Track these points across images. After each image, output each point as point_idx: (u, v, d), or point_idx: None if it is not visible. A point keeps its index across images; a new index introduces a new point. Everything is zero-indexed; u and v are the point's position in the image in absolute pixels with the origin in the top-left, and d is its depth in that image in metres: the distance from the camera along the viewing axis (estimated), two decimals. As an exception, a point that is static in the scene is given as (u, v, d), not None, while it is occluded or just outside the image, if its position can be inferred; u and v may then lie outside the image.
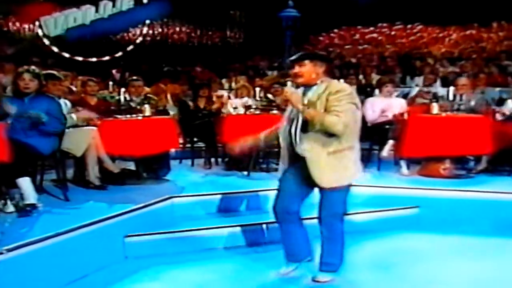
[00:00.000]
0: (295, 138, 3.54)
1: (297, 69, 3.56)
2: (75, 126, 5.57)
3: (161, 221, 4.75)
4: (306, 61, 3.54)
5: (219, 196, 5.31)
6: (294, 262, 3.82)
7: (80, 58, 13.17)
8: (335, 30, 16.98)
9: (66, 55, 12.99)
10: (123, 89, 6.31)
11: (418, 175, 6.28)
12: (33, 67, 4.88)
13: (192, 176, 6.51)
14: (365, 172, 6.45)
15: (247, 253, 4.52)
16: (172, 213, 4.99)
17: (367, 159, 6.81)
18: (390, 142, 6.49)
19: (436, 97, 6.81)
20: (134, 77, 6.94)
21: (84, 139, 5.38)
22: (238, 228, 4.70)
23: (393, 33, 16.06)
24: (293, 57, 3.63)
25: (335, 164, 3.47)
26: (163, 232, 4.52)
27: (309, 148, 3.47)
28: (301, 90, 3.60)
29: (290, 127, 3.57)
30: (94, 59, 13.43)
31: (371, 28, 16.53)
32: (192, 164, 7.30)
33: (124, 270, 4.11)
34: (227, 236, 4.65)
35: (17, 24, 13.44)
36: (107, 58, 13.59)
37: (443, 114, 6.17)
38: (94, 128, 5.56)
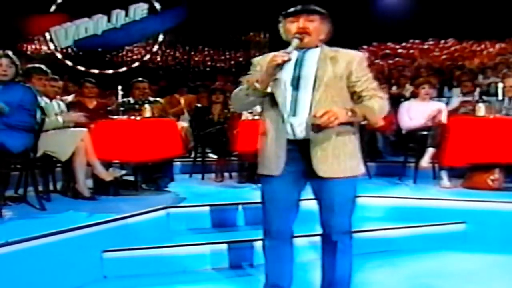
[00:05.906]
0: (293, 114, 2.62)
1: (304, 23, 2.64)
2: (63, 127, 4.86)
3: (152, 235, 3.96)
4: (316, 16, 2.67)
5: (225, 207, 4.51)
6: None
7: (96, 71, 12.68)
8: (364, 46, 16.22)
9: (81, 68, 12.59)
10: (120, 87, 5.57)
11: (462, 187, 5.36)
12: (10, 52, 4.21)
13: (199, 188, 5.70)
14: (399, 184, 5.87)
15: (252, 274, 3.66)
16: (168, 226, 4.20)
17: (402, 172, 6.11)
18: (430, 150, 5.57)
19: (481, 97, 5.89)
20: (139, 78, 6.23)
21: (70, 141, 4.63)
22: (242, 245, 3.87)
23: (426, 47, 15.25)
24: (297, 8, 2.67)
25: (340, 149, 2.62)
26: (149, 248, 3.71)
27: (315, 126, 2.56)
28: (293, 54, 2.58)
29: (282, 107, 2.63)
30: (110, 71, 12.99)
31: (403, 44, 15.80)
32: (203, 178, 6.48)
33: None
34: (227, 254, 3.81)
35: (32, 45, 13.18)
36: (124, 69, 13.17)
37: (491, 116, 5.29)
38: (84, 129, 4.82)
